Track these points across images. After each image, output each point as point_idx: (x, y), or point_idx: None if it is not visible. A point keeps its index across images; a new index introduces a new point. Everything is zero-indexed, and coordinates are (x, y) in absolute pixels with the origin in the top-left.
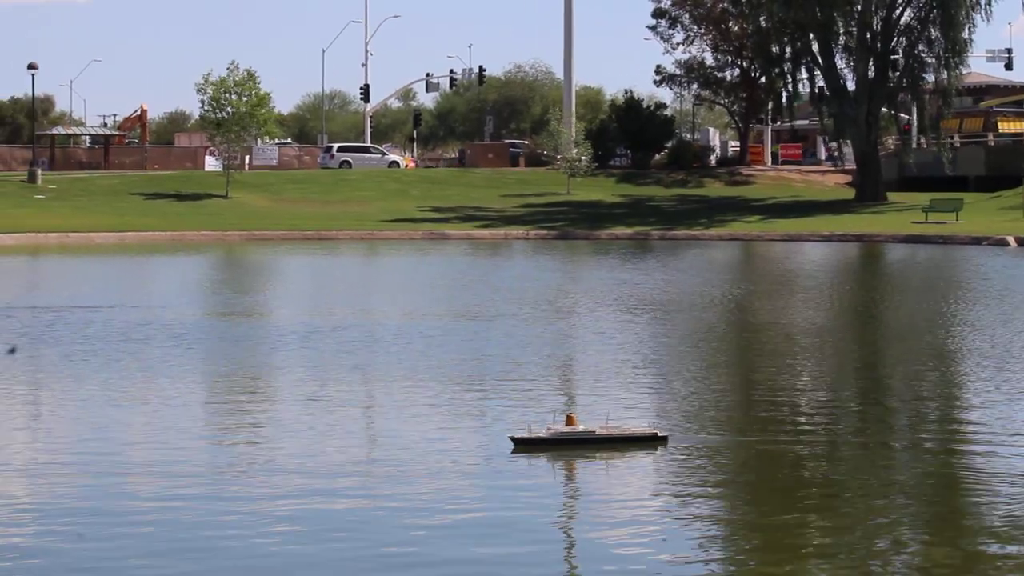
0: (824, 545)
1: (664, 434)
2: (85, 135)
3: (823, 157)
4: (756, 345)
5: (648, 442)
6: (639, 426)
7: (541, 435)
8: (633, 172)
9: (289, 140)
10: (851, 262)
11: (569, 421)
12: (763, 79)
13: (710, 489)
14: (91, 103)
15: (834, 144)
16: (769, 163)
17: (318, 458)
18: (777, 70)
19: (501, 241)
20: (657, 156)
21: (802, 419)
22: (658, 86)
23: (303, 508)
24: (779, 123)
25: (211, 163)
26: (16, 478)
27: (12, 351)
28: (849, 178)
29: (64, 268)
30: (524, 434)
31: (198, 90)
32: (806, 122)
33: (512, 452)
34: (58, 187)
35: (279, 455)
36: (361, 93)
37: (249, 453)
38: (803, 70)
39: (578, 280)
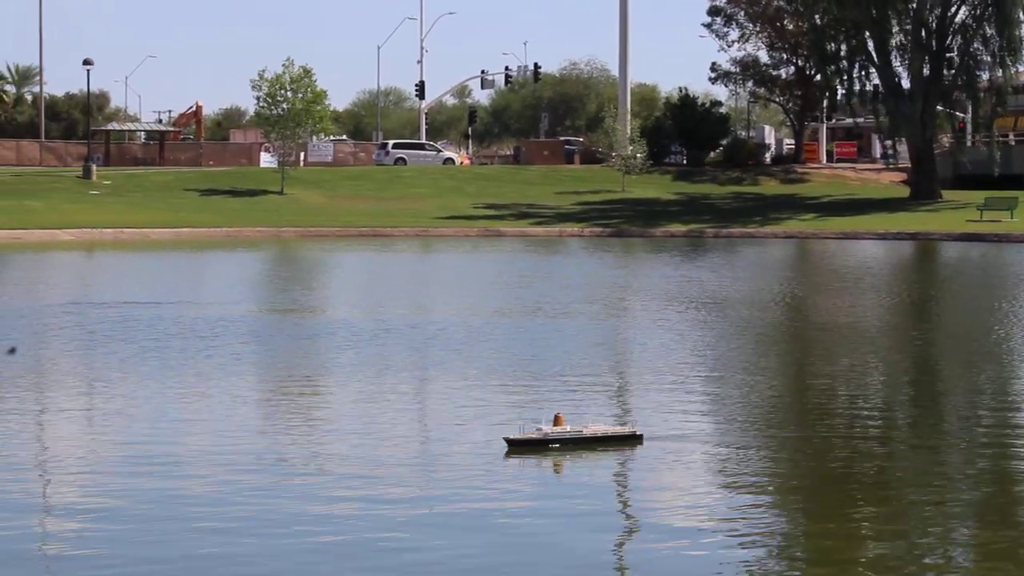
0: (872, 540)
1: (640, 432)
2: (140, 131)
3: (878, 155)
4: (819, 342)
5: (628, 441)
6: (618, 425)
7: (533, 436)
8: (688, 170)
9: (344, 137)
10: (907, 260)
11: (557, 421)
12: (818, 77)
13: (734, 484)
14: (146, 99)
15: (889, 142)
16: (824, 161)
17: (310, 453)
18: (832, 68)
19: (556, 238)
20: (712, 154)
21: (855, 415)
22: (713, 83)
23: (293, 504)
24: (834, 121)
25: (266, 159)
26: (97, 469)
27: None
28: (904, 176)
29: (122, 264)
30: (518, 435)
31: (253, 86)
32: (861, 120)
33: (507, 452)
34: (113, 183)
35: (288, 451)
36: (416, 90)
37: (266, 450)
38: (858, 68)
39: (645, 277)
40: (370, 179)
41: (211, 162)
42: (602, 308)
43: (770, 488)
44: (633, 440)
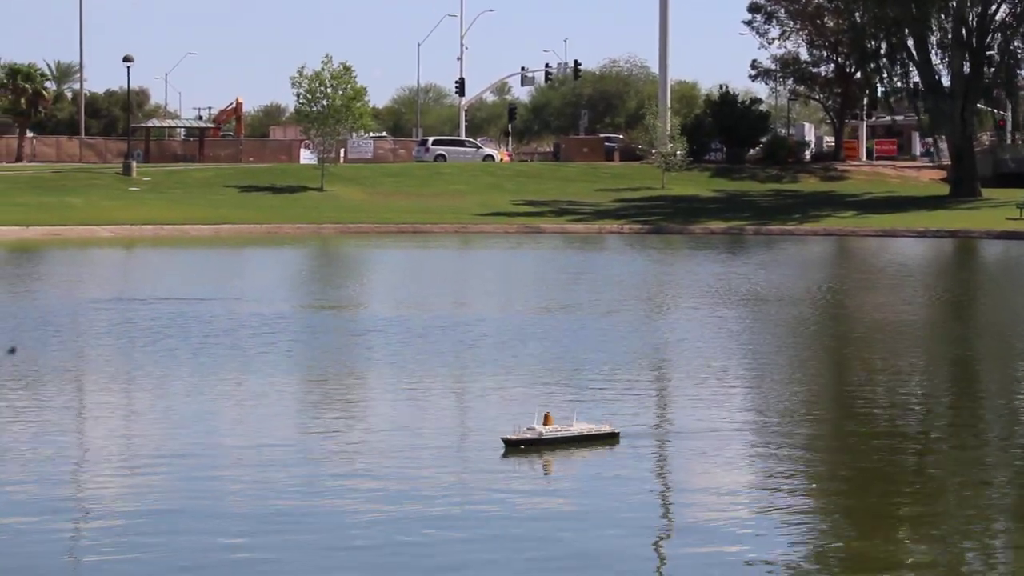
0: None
1: (617, 431)
2: (180, 128)
3: (918, 152)
4: (870, 339)
5: (608, 439)
6: (598, 423)
7: (527, 436)
8: (728, 167)
9: (384, 133)
10: (947, 258)
11: (546, 420)
12: (858, 74)
13: (756, 481)
14: (186, 96)
15: (930, 140)
16: (864, 158)
17: (305, 449)
18: (872, 65)
19: (596, 235)
20: (752, 151)
21: (892, 412)
22: (753, 81)
23: (290, 502)
24: (874, 118)
25: (306, 156)
26: (161, 461)
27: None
28: (944, 174)
29: (164, 260)
30: (513, 435)
31: (293, 83)
32: (901, 117)
33: (504, 451)
34: (153, 179)
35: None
36: (456, 87)
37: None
38: (898, 66)
39: (693, 275)
40: (410, 176)
41: (251, 159)
42: (655, 306)
43: (775, 489)
44: (613, 438)
